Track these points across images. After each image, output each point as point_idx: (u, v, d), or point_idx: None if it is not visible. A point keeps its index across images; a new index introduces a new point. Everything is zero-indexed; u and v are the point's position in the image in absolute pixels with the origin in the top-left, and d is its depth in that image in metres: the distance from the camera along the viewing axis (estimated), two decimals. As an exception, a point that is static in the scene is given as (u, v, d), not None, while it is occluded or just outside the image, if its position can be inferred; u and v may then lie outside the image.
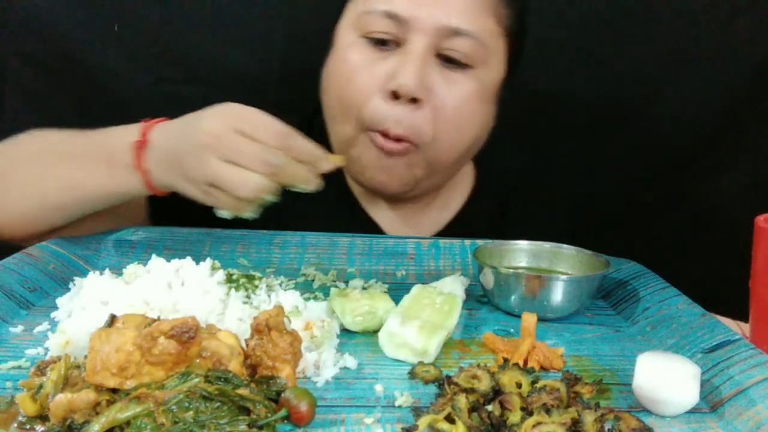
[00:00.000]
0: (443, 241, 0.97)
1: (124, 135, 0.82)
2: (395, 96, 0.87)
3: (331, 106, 0.95)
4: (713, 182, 1.29)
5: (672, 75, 1.26)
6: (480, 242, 0.92)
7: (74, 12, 1.21)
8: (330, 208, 1.03)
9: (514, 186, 1.14)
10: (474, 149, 0.99)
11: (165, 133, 0.80)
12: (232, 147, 0.72)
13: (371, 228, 1.03)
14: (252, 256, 0.92)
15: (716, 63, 1.24)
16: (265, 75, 1.27)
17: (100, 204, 0.88)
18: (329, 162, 0.78)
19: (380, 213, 1.05)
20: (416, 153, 0.91)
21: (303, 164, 0.75)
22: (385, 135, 0.89)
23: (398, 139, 0.89)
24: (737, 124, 1.27)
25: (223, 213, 0.75)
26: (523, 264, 0.87)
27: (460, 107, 0.90)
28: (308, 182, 0.76)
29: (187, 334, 0.52)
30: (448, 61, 0.89)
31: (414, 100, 0.87)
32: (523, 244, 0.87)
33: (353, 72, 0.90)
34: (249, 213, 0.75)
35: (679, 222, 1.32)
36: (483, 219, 1.09)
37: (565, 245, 0.86)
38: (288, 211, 1.04)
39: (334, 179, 1.04)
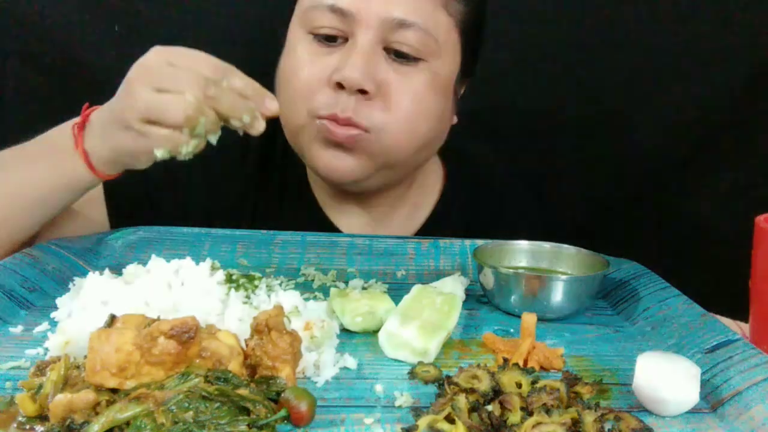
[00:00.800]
0: (443, 241, 0.97)
1: (68, 124, 0.81)
2: (341, 87, 0.86)
3: (281, 102, 0.94)
4: (713, 182, 1.29)
5: (671, 74, 1.26)
6: (480, 242, 0.92)
7: (74, 12, 1.21)
8: (294, 216, 1.02)
9: (491, 185, 1.13)
10: (433, 145, 0.98)
11: (104, 106, 0.79)
12: (163, 74, 0.70)
13: None
14: (252, 256, 0.92)
15: (716, 63, 1.24)
16: (265, 75, 1.27)
17: (50, 205, 0.84)
18: (274, 101, 0.74)
19: (345, 221, 1.04)
20: (368, 141, 0.88)
21: (245, 100, 0.72)
22: (334, 120, 0.87)
23: (348, 124, 0.87)
24: (737, 124, 1.27)
25: (159, 152, 0.71)
26: (523, 264, 0.87)
27: (412, 99, 0.88)
28: (251, 115, 0.72)
29: (186, 334, 0.52)
30: (398, 55, 0.88)
31: (363, 92, 0.85)
32: (523, 244, 0.87)
33: (301, 66, 0.89)
34: (186, 148, 0.71)
35: (679, 222, 1.32)
36: (455, 221, 1.07)
37: (565, 245, 0.86)
38: (256, 219, 1.03)
39: (298, 187, 1.03)
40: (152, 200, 1.00)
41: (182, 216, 1.00)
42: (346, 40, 0.88)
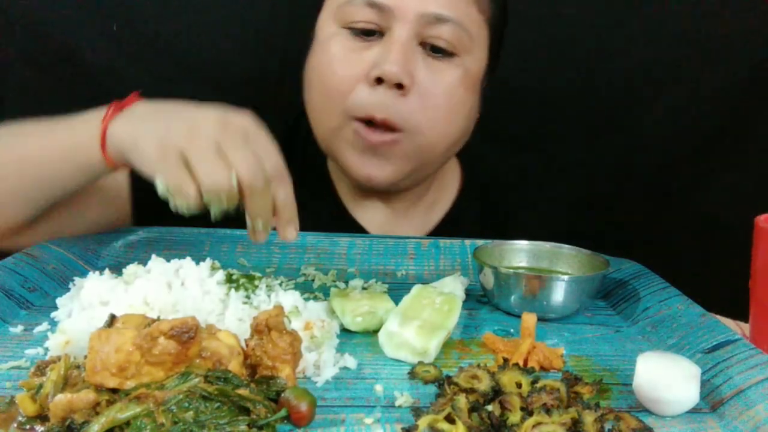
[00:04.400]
0: (443, 241, 0.97)
1: (105, 107, 0.78)
2: (379, 82, 0.86)
3: (314, 100, 0.94)
4: (713, 182, 1.29)
5: (672, 75, 1.26)
6: (480, 242, 0.92)
7: (74, 12, 1.21)
8: (314, 211, 1.02)
9: (502, 186, 1.13)
10: (461, 141, 0.98)
11: (157, 104, 0.76)
12: (231, 142, 0.66)
13: (356, 231, 1.02)
14: (252, 256, 0.92)
15: (716, 63, 1.24)
16: (265, 75, 1.27)
17: (56, 176, 0.80)
18: (294, 233, 0.71)
19: (366, 215, 1.04)
20: (404, 143, 0.89)
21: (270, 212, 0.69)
22: (371, 123, 0.87)
23: (384, 127, 0.87)
24: (737, 124, 1.27)
25: (160, 184, 0.67)
26: (523, 264, 0.87)
27: (446, 95, 0.90)
28: (264, 226, 0.70)
29: (186, 334, 0.52)
30: (432, 49, 0.89)
31: (399, 87, 0.86)
32: (523, 244, 0.87)
33: (336, 62, 0.89)
34: (183, 203, 0.66)
35: (678, 222, 1.32)
36: (471, 220, 1.08)
37: (566, 245, 0.86)
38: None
39: (319, 179, 1.03)
40: None
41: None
42: (381, 34, 0.88)
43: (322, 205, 1.04)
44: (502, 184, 1.14)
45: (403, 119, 0.88)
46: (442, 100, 0.89)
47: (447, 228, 1.06)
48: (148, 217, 0.97)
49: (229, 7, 1.25)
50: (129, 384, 0.51)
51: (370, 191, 1.02)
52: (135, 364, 0.51)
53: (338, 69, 0.89)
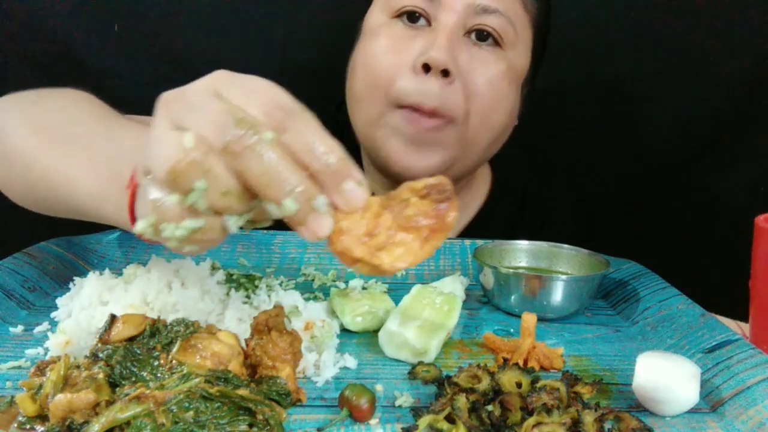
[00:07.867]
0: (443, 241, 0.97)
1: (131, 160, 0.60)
2: (426, 69, 0.86)
3: (357, 89, 0.93)
4: (713, 182, 1.29)
5: (673, 75, 1.26)
6: (480, 242, 0.92)
7: (74, 12, 1.21)
8: None
9: (529, 189, 1.14)
10: (500, 139, 0.98)
11: None
12: (187, 104, 0.46)
13: None
14: (252, 256, 0.92)
15: (716, 63, 1.24)
16: (265, 75, 1.27)
17: (74, 211, 0.70)
18: (361, 186, 0.44)
19: None
20: (450, 131, 0.89)
21: (301, 173, 0.45)
22: (418, 110, 0.87)
23: (432, 115, 0.87)
24: (737, 124, 1.27)
25: (140, 223, 0.49)
26: (523, 264, 0.87)
27: (490, 85, 0.90)
28: (301, 202, 0.44)
29: (443, 193, 0.43)
30: (478, 37, 0.89)
31: (445, 74, 0.86)
32: (523, 244, 0.87)
33: (383, 51, 0.90)
34: (171, 227, 0.47)
35: (679, 222, 1.32)
36: (500, 223, 1.09)
37: (565, 245, 0.86)
38: None
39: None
40: None
41: None
42: (428, 23, 0.90)
43: None
44: (528, 188, 1.14)
45: (450, 108, 0.88)
46: (486, 90, 0.90)
47: (474, 231, 1.06)
48: None
49: (228, 8, 1.25)
50: (378, 260, 0.41)
51: None
52: (386, 229, 0.42)
53: (385, 56, 0.89)
